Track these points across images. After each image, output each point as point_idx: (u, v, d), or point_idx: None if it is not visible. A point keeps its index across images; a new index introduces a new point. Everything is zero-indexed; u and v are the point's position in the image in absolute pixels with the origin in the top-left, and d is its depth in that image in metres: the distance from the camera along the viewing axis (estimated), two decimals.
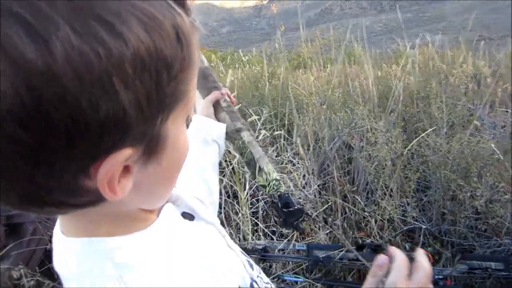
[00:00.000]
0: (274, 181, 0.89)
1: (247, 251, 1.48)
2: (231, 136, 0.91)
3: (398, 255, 0.55)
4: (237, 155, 0.98)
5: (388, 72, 3.99)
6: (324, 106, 2.62)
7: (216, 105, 0.90)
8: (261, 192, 2.07)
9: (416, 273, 0.52)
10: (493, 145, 1.80)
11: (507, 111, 2.57)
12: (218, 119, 0.90)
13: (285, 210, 0.89)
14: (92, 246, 0.37)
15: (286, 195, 0.90)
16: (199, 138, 0.80)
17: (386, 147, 1.95)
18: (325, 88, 3.20)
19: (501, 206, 1.50)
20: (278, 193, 0.89)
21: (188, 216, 0.51)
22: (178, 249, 0.42)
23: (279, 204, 0.89)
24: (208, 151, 0.80)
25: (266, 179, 0.89)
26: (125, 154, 0.30)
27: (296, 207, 0.89)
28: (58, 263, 0.39)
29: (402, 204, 1.79)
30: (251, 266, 0.55)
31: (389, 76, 3.74)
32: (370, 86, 3.09)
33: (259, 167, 0.89)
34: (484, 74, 3.64)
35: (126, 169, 0.33)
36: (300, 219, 0.91)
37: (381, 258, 0.54)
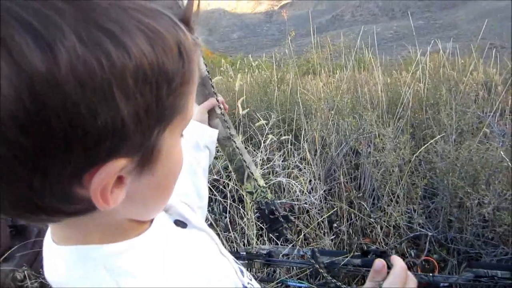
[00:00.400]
0: (262, 188, 0.91)
1: (252, 256, 1.48)
2: (222, 142, 0.93)
3: (398, 262, 0.56)
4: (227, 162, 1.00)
5: (397, 79, 3.98)
6: (332, 112, 2.62)
7: (210, 111, 0.92)
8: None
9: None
10: (502, 153, 1.78)
11: None
12: (211, 125, 0.92)
13: (271, 216, 0.91)
14: (83, 253, 0.37)
15: (273, 202, 0.91)
16: (191, 142, 0.81)
17: (394, 153, 1.94)
18: (334, 94, 3.20)
19: (509, 214, 1.49)
20: (265, 200, 0.91)
21: (180, 224, 0.51)
22: (172, 257, 0.42)
23: (266, 210, 0.91)
24: (199, 156, 0.81)
25: (254, 186, 0.90)
26: (120, 164, 0.31)
27: (281, 214, 0.91)
28: (48, 270, 0.39)
29: (409, 210, 1.78)
30: (242, 272, 0.56)
31: (398, 83, 3.72)
32: (379, 92, 3.08)
33: (248, 174, 0.91)
34: (495, 82, 3.60)
35: (120, 180, 0.33)
36: (285, 225, 0.93)
37: (378, 263, 0.55)
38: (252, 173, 0.92)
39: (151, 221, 0.44)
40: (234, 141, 0.92)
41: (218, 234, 1.80)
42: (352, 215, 1.90)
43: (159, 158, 0.35)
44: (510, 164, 1.73)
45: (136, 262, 0.38)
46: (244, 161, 0.92)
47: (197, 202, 0.72)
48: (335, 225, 1.89)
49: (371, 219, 1.82)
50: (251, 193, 0.93)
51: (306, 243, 1.79)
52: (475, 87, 3.31)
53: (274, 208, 0.91)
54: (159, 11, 0.31)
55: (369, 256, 1.55)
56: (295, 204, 1.95)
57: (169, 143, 0.35)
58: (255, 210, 1.98)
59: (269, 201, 0.92)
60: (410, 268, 1.62)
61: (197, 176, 0.77)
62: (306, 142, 2.30)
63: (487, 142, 2.01)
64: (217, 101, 0.93)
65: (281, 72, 4.98)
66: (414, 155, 1.85)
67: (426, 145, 1.86)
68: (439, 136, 1.89)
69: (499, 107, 2.83)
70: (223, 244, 1.75)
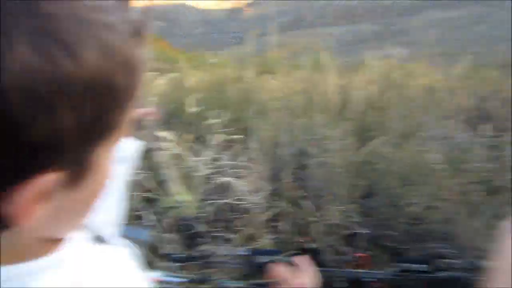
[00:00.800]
0: (181, 203, 0.92)
1: (188, 258, 1.48)
2: (146, 155, 0.92)
3: (303, 261, 0.58)
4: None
5: (351, 82, 4.10)
6: (284, 112, 2.66)
7: (137, 122, 0.91)
8: (212, 196, 2.08)
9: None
10: (436, 155, 1.90)
11: (454, 124, 2.70)
12: (136, 136, 0.90)
13: (187, 232, 0.91)
14: None
15: (191, 218, 0.92)
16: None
17: (339, 154, 2.01)
18: (288, 95, 3.26)
19: (436, 212, 1.59)
20: (184, 215, 0.91)
21: (97, 239, 0.51)
22: (89, 274, 0.41)
23: (182, 228, 0.91)
24: (121, 168, 0.79)
25: (175, 200, 0.91)
26: (50, 178, 0.29)
27: (194, 231, 0.92)
28: None
29: (348, 210, 1.85)
30: None
31: (352, 85, 3.84)
32: (332, 95, 3.18)
33: (169, 188, 0.91)
34: (439, 88, 3.81)
35: (46, 194, 0.31)
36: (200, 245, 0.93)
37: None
38: (170, 188, 0.92)
39: (67, 237, 0.42)
40: (155, 156, 0.92)
41: (160, 235, 1.78)
42: (295, 215, 1.95)
43: (90, 174, 0.34)
44: (442, 167, 1.84)
45: (52, 281, 0.36)
46: (164, 174, 0.93)
47: (113, 217, 0.70)
48: (278, 224, 1.93)
49: (312, 218, 1.87)
50: (172, 208, 0.93)
51: (248, 243, 1.81)
52: (420, 92, 3.50)
53: (191, 225, 0.91)
54: (113, 25, 0.31)
55: (304, 255, 1.59)
56: (239, 203, 1.97)
57: (103, 157, 0.34)
58: (198, 210, 1.97)
59: (187, 217, 0.92)
60: (345, 264, 1.69)
61: (116, 190, 0.75)
62: (256, 142, 2.32)
63: (425, 145, 2.13)
64: (150, 111, 0.92)
65: (240, 70, 4.99)
66: (357, 157, 1.93)
67: (366, 147, 1.94)
68: (379, 139, 1.98)
69: (440, 112, 3.01)
70: (158, 249, 1.72)
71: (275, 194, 2.09)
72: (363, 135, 2.48)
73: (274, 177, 2.16)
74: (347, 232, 1.78)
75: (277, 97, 3.16)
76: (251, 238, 1.88)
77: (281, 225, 1.93)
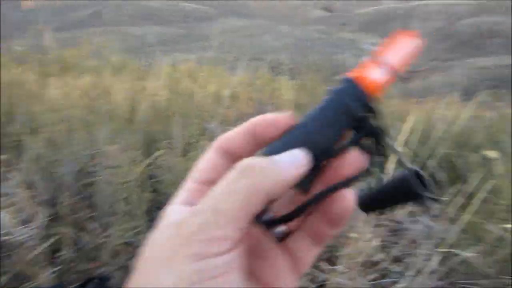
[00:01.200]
0: None
1: None
2: None
3: None
4: None
5: (143, 87, 4.04)
6: (63, 124, 2.39)
7: None
8: None
9: None
10: None
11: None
12: None
13: None
14: None
15: None
16: None
17: (124, 168, 1.94)
18: (72, 102, 2.96)
19: None
20: None
21: None
22: None
23: None
24: None
25: None
26: None
27: None
28: None
29: (138, 226, 1.81)
30: None
31: (143, 91, 3.79)
32: (121, 102, 3.05)
33: None
34: (222, 94, 4.18)
35: None
36: None
37: None
38: None
39: None
40: None
41: None
42: (80, 239, 1.78)
43: None
44: None
45: None
46: None
47: None
48: (60, 254, 1.72)
49: (102, 240, 1.75)
50: None
51: (22, 284, 1.55)
52: (207, 99, 3.75)
53: None
54: None
55: (89, 285, 1.47)
56: (7, 238, 1.66)
57: None
58: None
59: None
60: None
61: None
62: (28, 161, 2.01)
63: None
64: None
65: (13, 71, 4.25)
66: (141, 169, 1.91)
67: (151, 158, 1.95)
68: (164, 149, 2.02)
69: (225, 118, 3.30)
70: None
71: (54, 220, 1.86)
72: (151, 145, 2.48)
73: (52, 201, 1.92)
74: (138, 250, 1.74)
75: (58, 105, 2.82)
76: (25, 277, 1.61)
77: (63, 254, 1.73)
